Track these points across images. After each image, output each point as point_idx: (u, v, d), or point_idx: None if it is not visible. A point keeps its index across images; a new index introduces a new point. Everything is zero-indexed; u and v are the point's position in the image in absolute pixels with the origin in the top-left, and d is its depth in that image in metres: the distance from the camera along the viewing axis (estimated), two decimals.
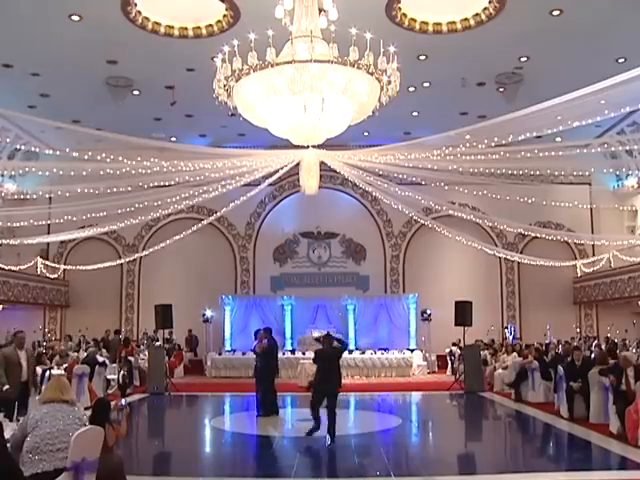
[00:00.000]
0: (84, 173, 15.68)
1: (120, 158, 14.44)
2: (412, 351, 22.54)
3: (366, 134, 21.49)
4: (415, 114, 20.62)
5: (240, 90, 9.98)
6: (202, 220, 21.25)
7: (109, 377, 16.33)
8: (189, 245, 23.28)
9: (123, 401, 6.31)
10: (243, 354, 21.38)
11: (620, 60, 16.02)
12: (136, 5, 13.98)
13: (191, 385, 19.36)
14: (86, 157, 14.30)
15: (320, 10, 10.00)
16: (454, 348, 21.38)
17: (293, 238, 25.55)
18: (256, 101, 10.10)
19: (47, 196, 20.14)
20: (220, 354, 22.56)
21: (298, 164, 13.51)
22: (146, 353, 19.13)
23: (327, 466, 8.84)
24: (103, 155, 14.65)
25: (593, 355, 14.53)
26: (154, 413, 15.59)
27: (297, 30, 9.71)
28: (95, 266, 22.45)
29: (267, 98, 9.90)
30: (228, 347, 23.20)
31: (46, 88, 18.17)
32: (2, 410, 9.11)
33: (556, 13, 14.10)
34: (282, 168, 14.97)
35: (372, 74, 9.70)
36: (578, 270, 24.63)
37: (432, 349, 23.34)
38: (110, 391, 15.92)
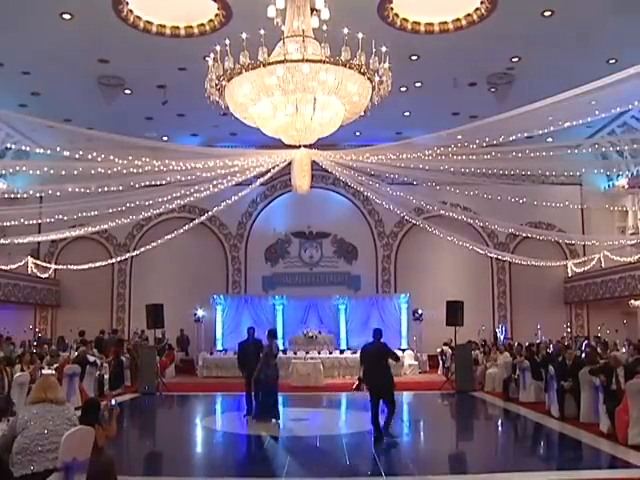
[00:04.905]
0: (75, 172, 15.61)
1: (111, 157, 14.38)
2: (403, 351, 22.53)
3: (358, 134, 21.51)
4: (407, 114, 20.64)
5: (232, 89, 9.96)
6: (193, 220, 21.22)
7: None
8: (180, 245, 23.20)
9: (113, 401, 6.27)
10: (234, 354, 21.28)
11: (611, 61, 16.07)
12: (128, 4, 13.94)
13: (182, 385, 19.33)
14: (77, 156, 14.24)
15: (312, 10, 9.99)
16: (445, 348, 21.40)
17: (285, 238, 25.53)
18: (248, 100, 10.08)
19: (38, 195, 20.06)
20: (211, 354, 22.53)
21: (290, 164, 13.52)
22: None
23: (318, 466, 8.83)
24: (94, 154, 14.59)
25: (584, 355, 14.58)
26: (145, 413, 15.55)
27: (289, 30, 9.71)
28: (86, 265, 22.39)
29: (259, 98, 9.88)
30: (219, 347, 23.17)
31: (37, 87, 18.08)
32: None
33: (547, 14, 14.14)
34: (274, 168, 14.98)
35: (364, 74, 9.70)
36: (569, 270, 24.70)
37: (423, 349, 23.37)
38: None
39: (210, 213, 20.81)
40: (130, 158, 14.26)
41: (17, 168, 19.40)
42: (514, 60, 16.63)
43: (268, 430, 11.55)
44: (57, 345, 20.25)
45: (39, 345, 18.37)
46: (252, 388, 12.73)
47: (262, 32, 9.14)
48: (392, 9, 14.27)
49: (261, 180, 17.37)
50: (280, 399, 12.66)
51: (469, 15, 14.48)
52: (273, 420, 12.02)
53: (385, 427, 10.45)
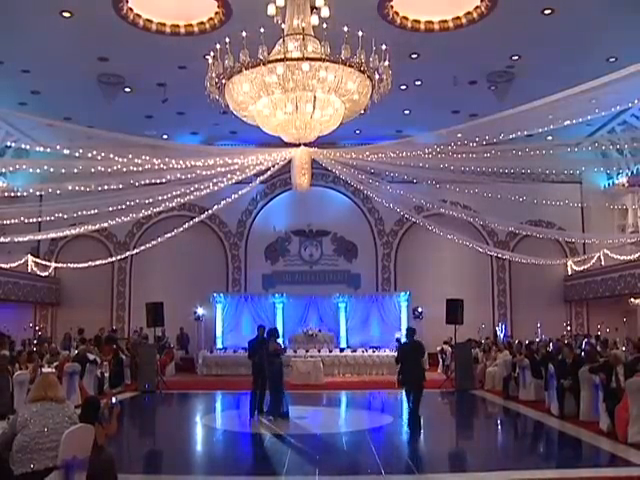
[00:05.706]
0: (75, 171, 15.59)
1: (111, 156, 14.39)
2: None
3: (358, 132, 21.53)
4: (407, 112, 20.62)
5: (232, 88, 9.96)
6: (193, 218, 21.23)
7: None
8: (180, 243, 23.18)
9: (113, 399, 6.27)
10: (234, 352, 21.38)
11: (611, 59, 16.06)
12: (127, 2, 13.93)
13: (182, 383, 19.34)
14: (77, 155, 14.24)
15: (312, 8, 10.00)
16: (445, 346, 21.40)
17: (285, 236, 25.51)
18: (248, 99, 10.08)
19: (38, 193, 20.07)
20: (211, 352, 22.53)
21: (290, 162, 13.52)
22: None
23: (318, 464, 8.83)
24: (94, 153, 14.58)
25: (583, 353, 14.58)
26: (145, 411, 15.56)
27: (289, 28, 9.72)
28: (86, 264, 22.37)
29: (259, 96, 9.89)
30: (219, 345, 23.19)
31: (37, 85, 18.08)
32: None
33: (548, 12, 14.14)
34: (274, 166, 14.98)
35: (364, 72, 9.71)
36: (569, 268, 24.72)
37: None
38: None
39: (210, 211, 20.79)
40: (130, 156, 14.26)
41: (17, 166, 19.38)
42: (514, 58, 16.62)
43: (268, 428, 11.56)
44: (62, 342, 20.33)
45: (39, 344, 18.37)
46: (258, 386, 12.78)
47: (262, 30, 9.16)
48: (392, 7, 14.27)
49: (261, 178, 17.38)
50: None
51: (469, 13, 14.48)
52: (279, 418, 12.04)
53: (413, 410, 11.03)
